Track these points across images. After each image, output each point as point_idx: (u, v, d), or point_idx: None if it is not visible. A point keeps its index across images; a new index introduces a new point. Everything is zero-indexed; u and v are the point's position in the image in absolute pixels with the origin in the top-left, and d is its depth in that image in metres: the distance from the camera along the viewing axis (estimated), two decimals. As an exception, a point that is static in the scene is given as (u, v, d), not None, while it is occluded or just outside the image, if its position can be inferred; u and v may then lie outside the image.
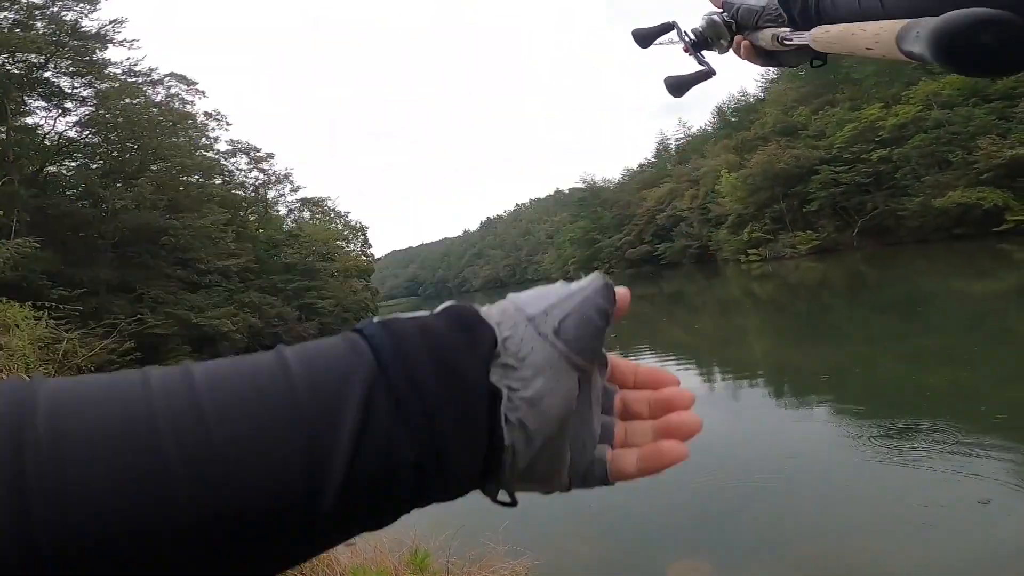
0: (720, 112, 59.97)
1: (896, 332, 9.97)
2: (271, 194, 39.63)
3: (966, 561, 2.97)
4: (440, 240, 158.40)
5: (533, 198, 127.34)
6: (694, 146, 59.59)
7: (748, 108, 54.27)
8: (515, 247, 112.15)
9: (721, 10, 0.80)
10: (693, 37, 0.83)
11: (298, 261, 33.39)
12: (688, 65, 0.85)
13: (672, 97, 0.86)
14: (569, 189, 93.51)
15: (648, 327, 15.88)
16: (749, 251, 39.25)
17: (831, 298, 17.30)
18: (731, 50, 0.82)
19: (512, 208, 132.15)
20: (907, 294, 15.08)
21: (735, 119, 54.80)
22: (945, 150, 29.38)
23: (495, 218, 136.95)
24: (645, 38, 0.88)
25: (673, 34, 0.86)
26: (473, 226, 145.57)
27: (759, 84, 54.78)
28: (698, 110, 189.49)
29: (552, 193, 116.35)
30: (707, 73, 0.84)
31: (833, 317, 13.24)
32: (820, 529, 3.54)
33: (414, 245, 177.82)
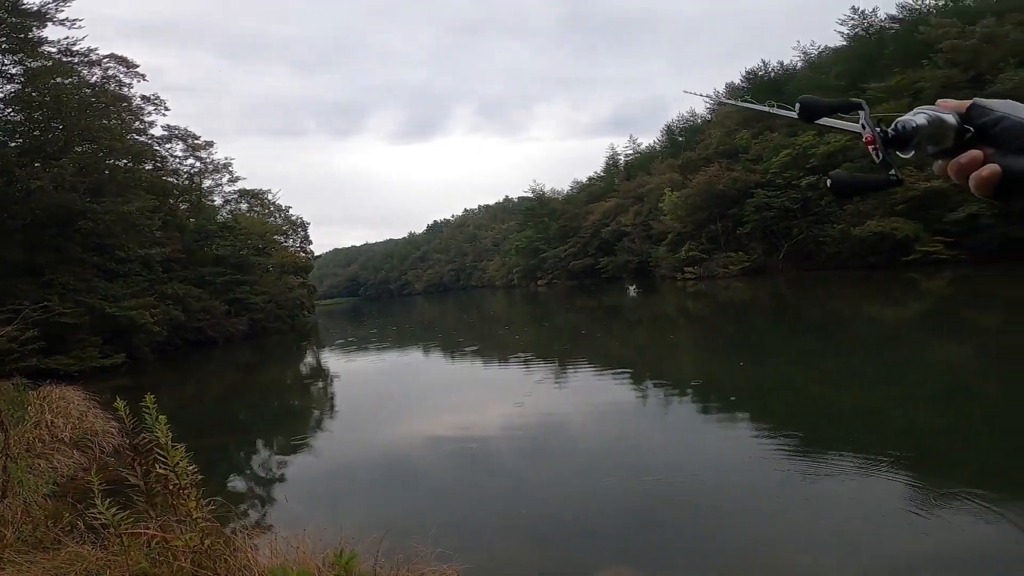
0: (669, 131, 62.46)
1: (812, 352, 10.69)
2: (207, 183, 37.75)
3: (868, 568, 3.22)
4: (385, 241, 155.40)
5: (482, 204, 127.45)
6: (641, 163, 61.45)
7: (695, 128, 56.73)
8: (460, 252, 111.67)
9: (957, 112, 0.62)
10: (889, 131, 0.65)
11: (231, 254, 31.93)
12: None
13: (833, 195, 0.67)
14: (518, 198, 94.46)
15: (587, 341, 16.22)
16: (685, 269, 40.89)
17: (756, 318, 18.30)
18: (937, 160, 0.64)
19: (460, 213, 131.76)
20: (824, 317, 16.19)
21: (682, 139, 57.15)
22: (867, 180, 31.72)
23: (442, 222, 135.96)
24: (814, 111, 0.72)
25: (861, 118, 0.68)
26: (420, 228, 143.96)
27: (708, 105, 57.56)
28: (649, 127, 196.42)
29: (501, 201, 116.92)
30: (894, 182, 0.66)
31: (757, 336, 14.00)
32: (742, 538, 3.74)
33: (357, 244, 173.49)
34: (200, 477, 2.63)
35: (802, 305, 20.28)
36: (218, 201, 38.90)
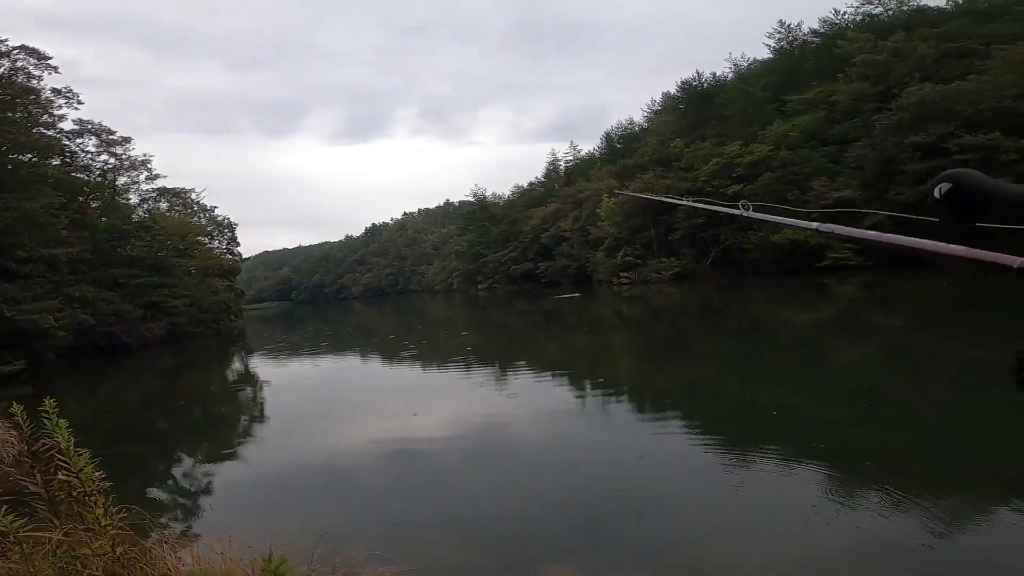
0: (608, 138, 64.20)
1: (736, 354, 11.30)
2: (122, 180, 35.24)
3: (793, 556, 3.43)
4: (321, 243, 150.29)
5: (423, 207, 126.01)
6: (581, 169, 62.79)
7: (632, 136, 58.68)
8: (399, 256, 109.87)
9: None
10: None
11: (147, 255, 29.94)
12: None
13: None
14: (459, 202, 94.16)
15: (527, 344, 16.38)
16: (621, 274, 42.18)
17: (686, 322, 19.14)
18: None
19: (400, 216, 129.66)
20: (746, 321, 17.16)
21: (620, 146, 58.93)
22: (786, 189, 33.69)
23: (381, 225, 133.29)
24: (971, 208, 0.55)
25: None
26: (357, 231, 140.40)
27: (645, 114, 59.68)
28: (590, 134, 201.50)
29: (442, 204, 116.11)
30: None
31: (686, 339, 14.65)
32: (677, 531, 3.89)
33: (290, 247, 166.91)
34: (109, 484, 2.45)
35: (727, 309, 21.40)
36: (135, 200, 36.47)
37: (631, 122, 62.53)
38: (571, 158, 70.09)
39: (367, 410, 9.22)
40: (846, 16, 45.92)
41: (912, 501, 3.80)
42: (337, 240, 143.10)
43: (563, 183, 64.01)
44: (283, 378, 14.38)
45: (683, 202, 2.08)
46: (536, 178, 75.59)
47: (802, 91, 39.15)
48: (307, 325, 38.91)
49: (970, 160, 26.50)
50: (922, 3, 42.69)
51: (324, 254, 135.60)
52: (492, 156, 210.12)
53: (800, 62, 43.28)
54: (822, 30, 45.98)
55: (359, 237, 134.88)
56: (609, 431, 6.61)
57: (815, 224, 0.96)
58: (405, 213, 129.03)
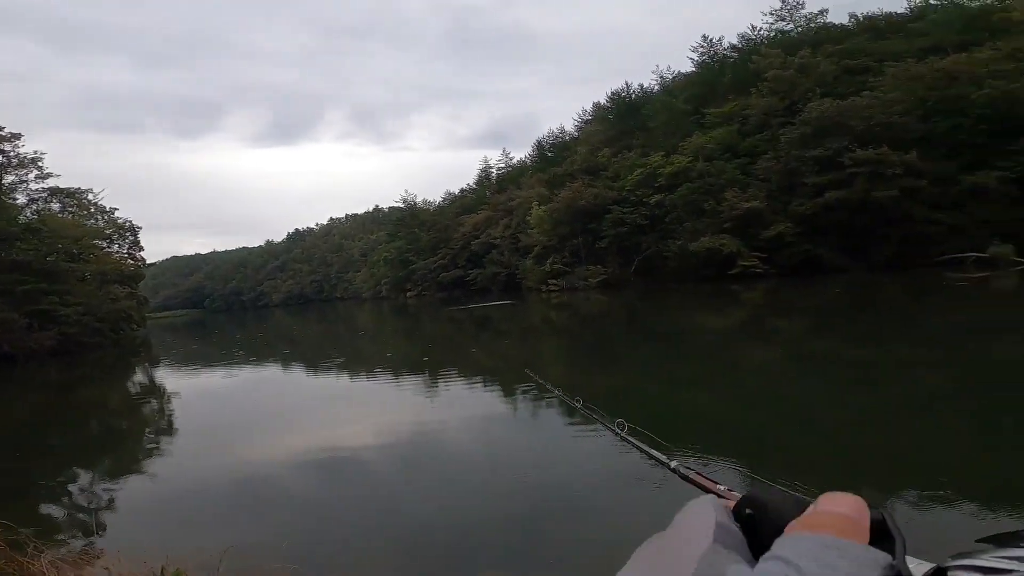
0: (540, 146, 65.23)
1: (656, 359, 11.83)
2: (9, 179, 31.75)
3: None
4: (238, 249, 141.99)
5: (350, 213, 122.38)
6: (513, 176, 63.37)
7: (563, 145, 59.98)
8: (325, 262, 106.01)
9: None
10: None
11: (35, 259, 27.20)
12: None
13: None
14: (389, 207, 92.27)
15: (457, 351, 16.30)
16: (550, 281, 42.94)
17: (611, 328, 19.79)
18: None
19: (326, 221, 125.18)
20: (665, 327, 18.00)
21: (551, 154, 60.05)
22: (702, 199, 35.61)
23: (305, 230, 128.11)
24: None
25: None
26: (279, 236, 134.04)
27: (576, 123, 61.18)
28: (522, 142, 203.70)
29: (371, 210, 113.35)
30: None
31: (612, 345, 15.14)
32: (608, 531, 3.99)
33: (203, 252, 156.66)
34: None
35: (648, 316, 22.34)
36: (22, 200, 32.98)
37: (562, 131, 64.01)
38: (503, 165, 70.64)
39: (286, 420, 8.82)
40: (761, 32, 48.80)
41: (812, 495, 4.12)
42: (256, 245, 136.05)
43: (495, 190, 64.36)
44: (194, 389, 13.45)
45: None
46: (468, 185, 75.64)
47: (720, 104, 41.45)
48: (221, 334, 36.64)
49: (860, 173, 29.24)
50: (828, 20, 46.19)
51: (242, 260, 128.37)
52: (424, 162, 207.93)
53: (719, 76, 45.62)
54: (740, 45, 48.60)
55: (281, 242, 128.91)
56: (539, 435, 6.70)
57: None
58: (332, 218, 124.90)
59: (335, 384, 12.24)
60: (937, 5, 42.94)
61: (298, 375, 14.68)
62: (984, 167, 27.87)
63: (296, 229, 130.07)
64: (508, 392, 9.45)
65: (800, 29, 46.49)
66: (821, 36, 42.95)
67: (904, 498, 3.92)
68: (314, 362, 16.23)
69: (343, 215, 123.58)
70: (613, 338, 16.84)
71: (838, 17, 46.50)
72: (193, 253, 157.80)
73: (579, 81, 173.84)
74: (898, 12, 44.41)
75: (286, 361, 17.64)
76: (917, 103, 30.95)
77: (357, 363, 15.09)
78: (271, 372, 15.65)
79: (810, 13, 46.92)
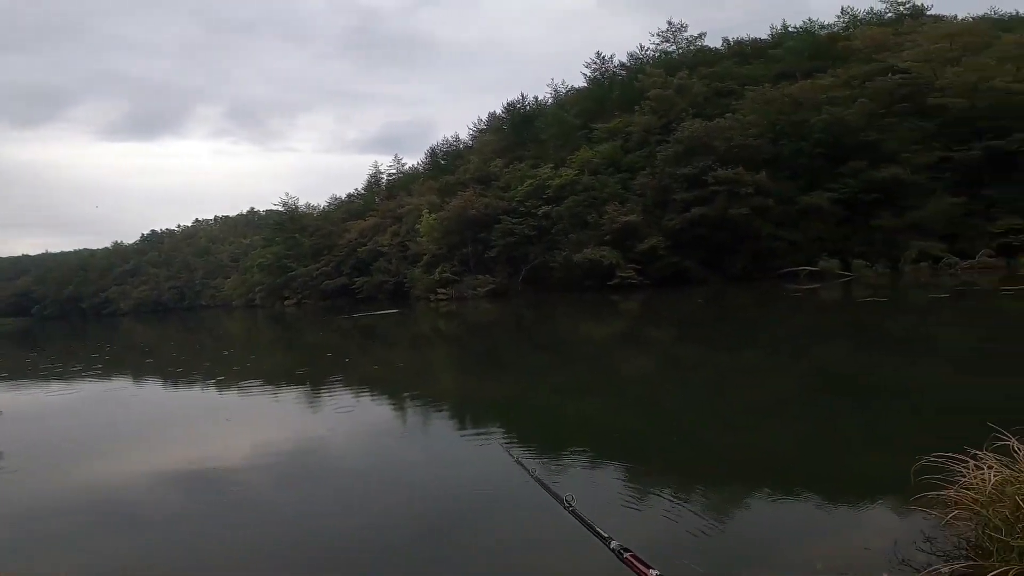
0: (433, 153, 64.56)
1: (545, 368, 12.24)
2: None
3: (607, 559, 3.78)
4: (78, 250, 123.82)
5: (220, 215, 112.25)
6: (404, 183, 62.11)
7: (457, 153, 59.91)
8: (187, 267, 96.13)
9: None
10: None
11: None
12: None
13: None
14: (266, 210, 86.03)
15: (341, 361, 15.61)
16: (439, 290, 42.70)
17: (501, 336, 20.15)
18: None
19: (190, 223, 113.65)
20: (551, 336, 18.73)
21: (444, 162, 59.73)
22: (586, 211, 37.52)
23: (164, 232, 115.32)
24: None
25: None
26: (131, 237, 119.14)
27: (471, 132, 61.36)
28: (416, 148, 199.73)
29: (245, 212, 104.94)
30: None
31: (501, 354, 15.43)
32: (509, 541, 3.99)
33: (32, 253, 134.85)
34: None
35: (535, 325, 23.08)
36: None
37: (457, 139, 64.00)
38: (395, 171, 68.98)
39: (149, 439, 7.85)
40: (648, 52, 52.51)
41: (684, 492, 4.52)
42: (102, 247, 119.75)
43: (384, 196, 62.72)
44: (25, 406, 11.47)
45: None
46: (356, 190, 72.93)
47: (607, 120, 43.98)
48: (55, 345, 31.70)
49: (721, 191, 32.65)
50: (705, 44, 50.80)
51: (83, 262, 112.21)
52: (309, 165, 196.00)
53: (608, 92, 48.41)
54: (629, 64, 51.92)
55: (133, 244, 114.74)
56: (429, 445, 6.62)
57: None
58: (197, 220, 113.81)
59: (203, 398, 11.12)
60: (794, 32, 49.28)
61: (156, 390, 13.12)
62: (818, 188, 32.48)
63: (153, 230, 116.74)
64: (398, 402, 9.24)
65: (681, 51, 50.52)
66: (698, 58, 47.04)
67: (762, 492, 4.43)
68: (176, 375, 14.62)
69: (212, 217, 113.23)
70: (502, 346, 17.15)
71: (714, 41, 51.43)
72: (20, 254, 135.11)
73: (477, 91, 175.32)
74: (762, 38, 49.99)
75: (140, 374, 15.69)
76: (769, 126, 35.17)
77: (228, 376, 13.84)
78: (122, 386, 13.80)
79: (691, 36, 51.16)
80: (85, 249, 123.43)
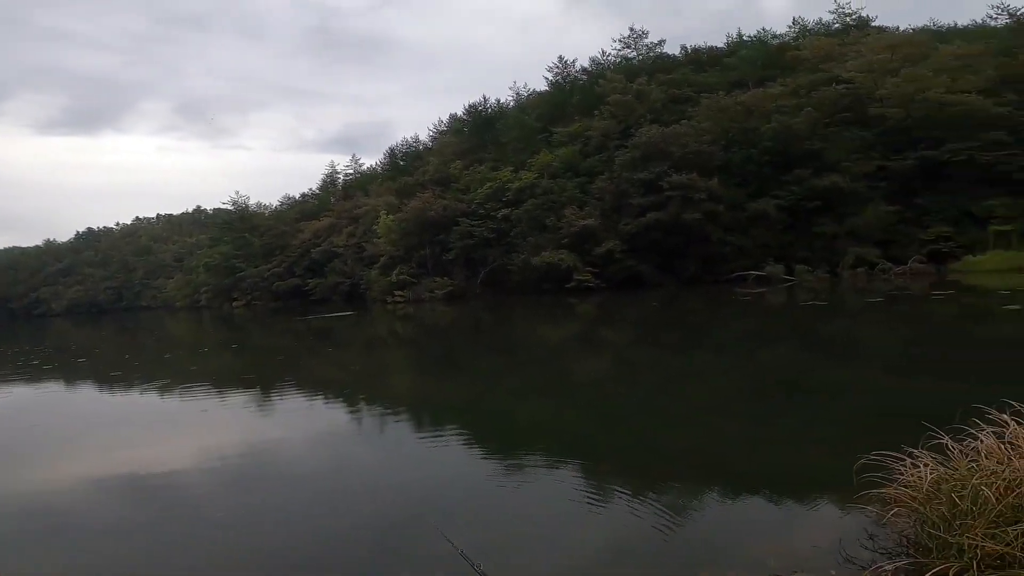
0: (392, 154, 63.29)
1: (500, 369, 12.22)
2: None
3: (562, 556, 3.76)
4: (7, 249, 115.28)
5: (163, 213, 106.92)
6: (361, 183, 60.67)
7: (416, 154, 58.97)
8: (126, 267, 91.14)
9: None
10: None
11: None
12: None
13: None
14: (214, 209, 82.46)
15: (295, 363, 15.14)
16: (395, 292, 42.01)
17: (458, 339, 20.00)
18: None
19: (130, 221, 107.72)
20: (508, 338, 18.73)
21: (404, 163, 58.71)
22: (545, 215, 37.69)
23: (101, 230, 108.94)
24: None
25: None
26: (65, 235, 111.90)
27: (431, 133, 60.55)
28: (374, 147, 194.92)
29: (191, 211, 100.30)
30: None
31: (460, 357, 15.31)
32: (465, 544, 3.91)
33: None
34: None
35: (493, 327, 23.04)
36: None
37: (416, 140, 63.01)
38: (352, 172, 67.29)
39: (81, 444, 7.35)
40: (609, 57, 53.13)
41: (638, 494, 4.57)
42: (32, 245, 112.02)
43: (341, 197, 61.14)
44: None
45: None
46: (311, 189, 70.78)
47: (567, 124, 44.27)
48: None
49: (675, 196, 33.44)
50: (664, 51, 51.81)
51: (11, 261, 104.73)
52: (262, 164, 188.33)
53: (569, 97, 48.68)
54: (590, 69, 52.36)
55: (67, 243, 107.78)
56: (384, 449, 6.47)
57: None
58: (138, 218, 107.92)
59: (144, 402, 10.52)
60: (748, 41, 50.95)
61: (92, 393, 12.32)
62: (766, 195, 33.74)
63: (89, 228, 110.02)
64: (353, 405, 9.01)
65: (641, 57, 51.42)
66: (657, 65, 47.89)
67: (714, 493, 4.52)
68: (116, 379, 13.78)
69: (154, 215, 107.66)
70: (460, 349, 17.02)
71: (673, 48, 52.58)
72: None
73: (439, 92, 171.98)
74: (718, 46, 51.47)
75: (74, 378, 14.71)
76: (722, 133, 36.25)
77: (171, 377, 13.16)
78: (51, 390, 12.91)
79: (651, 43, 52.10)
80: (15, 247, 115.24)
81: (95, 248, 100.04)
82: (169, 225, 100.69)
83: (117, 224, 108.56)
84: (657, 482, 4.79)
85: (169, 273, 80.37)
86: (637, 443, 6.08)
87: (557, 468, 5.35)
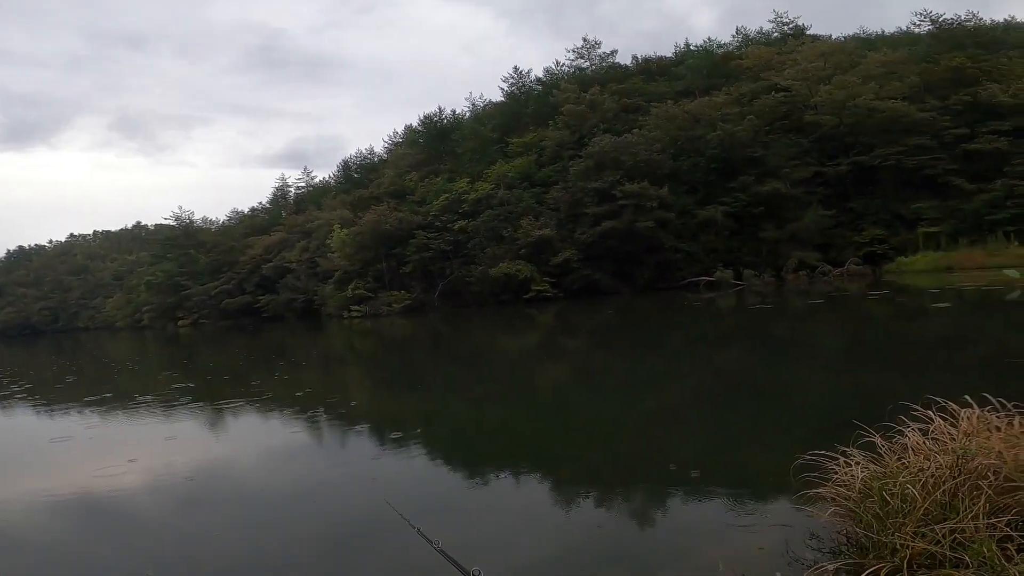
0: (346, 166, 62.01)
1: (464, 381, 12.13)
2: None
3: (527, 559, 3.74)
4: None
5: (101, 230, 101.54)
6: (313, 197, 59.22)
7: (371, 166, 57.98)
8: (61, 287, 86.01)
9: None
10: None
11: None
12: None
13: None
14: (155, 225, 78.94)
15: (245, 381, 14.56)
16: (352, 307, 41.15)
17: (418, 352, 19.76)
18: None
19: (63, 239, 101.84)
20: (469, 349, 18.63)
21: (358, 175, 57.61)
22: (502, 226, 37.76)
23: (32, 248, 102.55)
24: None
25: None
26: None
27: (386, 145, 59.67)
28: (325, 161, 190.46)
29: (130, 227, 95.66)
30: None
31: (419, 369, 15.11)
32: (423, 557, 3.84)
33: None
34: None
35: (453, 339, 22.87)
36: None
37: (371, 152, 62.00)
38: (303, 185, 65.63)
39: (26, 462, 6.84)
40: (563, 67, 53.77)
41: (591, 500, 4.61)
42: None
43: (292, 211, 59.52)
44: None
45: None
46: (261, 204, 68.64)
47: (523, 134, 44.52)
48: None
49: (628, 205, 34.15)
50: (616, 61, 52.87)
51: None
52: (206, 179, 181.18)
53: (524, 107, 48.91)
54: (545, 79, 52.84)
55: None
56: (346, 462, 6.31)
57: None
58: (72, 235, 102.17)
59: (84, 420, 9.88)
60: (695, 50, 52.71)
61: (28, 417, 11.49)
62: (713, 202, 34.94)
63: (20, 246, 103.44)
64: (312, 421, 8.73)
65: (594, 67, 52.33)
66: (609, 75, 48.84)
67: (665, 496, 4.61)
68: (54, 398, 12.90)
69: (91, 232, 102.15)
70: (420, 361, 16.81)
71: (624, 58, 53.83)
72: None
73: (394, 104, 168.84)
74: (667, 56, 53.02)
75: (8, 398, 13.70)
76: (671, 142, 37.28)
77: (114, 399, 12.43)
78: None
79: (604, 53, 53.17)
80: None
81: (26, 267, 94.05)
82: (107, 242, 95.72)
83: (50, 241, 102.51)
84: (610, 487, 4.86)
85: (108, 292, 76.24)
86: (592, 449, 6.14)
87: (514, 474, 5.36)
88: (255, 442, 7.74)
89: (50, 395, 14.73)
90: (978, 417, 3.18)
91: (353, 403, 10.45)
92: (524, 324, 24.70)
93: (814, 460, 3.44)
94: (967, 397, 3.46)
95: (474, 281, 37.89)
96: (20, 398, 14.52)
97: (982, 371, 7.78)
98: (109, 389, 15.77)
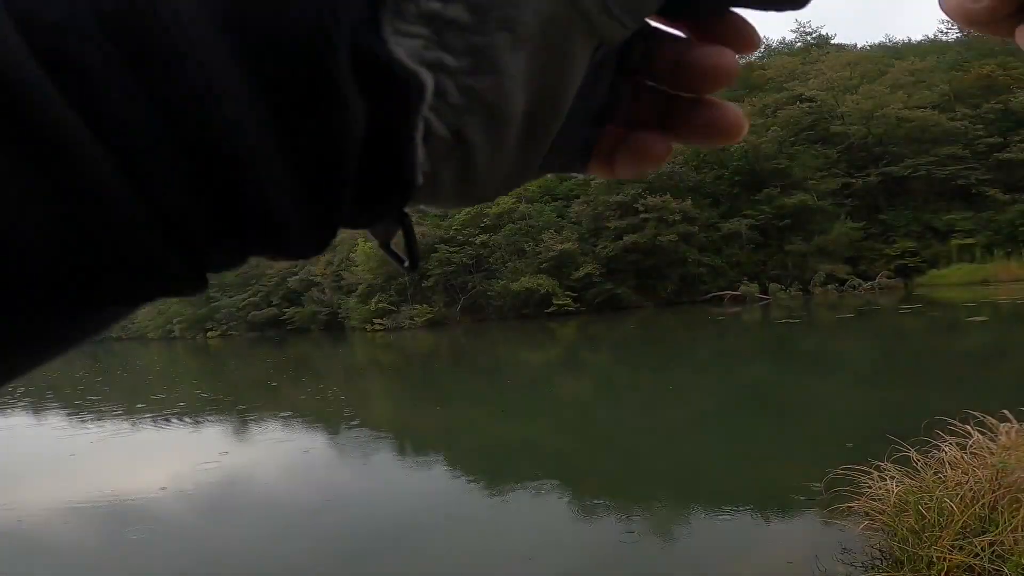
0: None
1: (486, 395, 12.16)
2: None
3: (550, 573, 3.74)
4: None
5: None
6: (337, 212, 60.30)
7: None
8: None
9: None
10: None
11: None
12: None
13: None
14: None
15: (273, 391, 14.85)
16: (375, 320, 41.62)
17: (440, 366, 19.88)
18: None
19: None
20: (491, 363, 18.68)
21: None
22: (523, 240, 37.94)
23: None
24: None
25: None
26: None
27: None
28: None
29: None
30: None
31: (442, 383, 15.20)
32: (451, 562, 3.87)
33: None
34: None
35: (475, 353, 22.97)
36: None
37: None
38: (325, 200, 66.98)
39: (57, 471, 7.08)
40: None
41: (619, 514, 4.59)
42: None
43: (315, 225, 60.59)
44: None
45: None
46: (284, 217, 70.16)
47: None
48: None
49: (650, 219, 34.05)
50: None
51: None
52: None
53: None
54: None
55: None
56: (368, 474, 6.38)
57: None
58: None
59: (119, 432, 10.18)
60: None
61: (62, 424, 11.89)
62: (737, 215, 34.59)
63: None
64: (334, 432, 8.86)
65: None
66: None
67: (694, 510, 4.56)
68: (89, 410, 13.32)
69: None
70: (442, 375, 16.91)
71: None
72: None
73: None
74: None
75: (44, 409, 14.18)
76: (693, 154, 37.12)
77: (149, 409, 12.79)
78: (19, 423, 12.41)
79: None
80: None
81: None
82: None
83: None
84: (638, 502, 4.82)
85: (141, 306, 78.46)
86: (618, 464, 6.10)
87: (540, 489, 5.35)
88: (276, 456, 7.82)
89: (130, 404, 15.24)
90: (1016, 431, 3.10)
91: (377, 416, 10.57)
92: (546, 339, 24.67)
93: (844, 474, 3.39)
94: (1006, 412, 3.38)
95: (495, 295, 38.04)
96: (106, 409, 15.04)
97: (1021, 385, 7.51)
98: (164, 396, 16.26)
